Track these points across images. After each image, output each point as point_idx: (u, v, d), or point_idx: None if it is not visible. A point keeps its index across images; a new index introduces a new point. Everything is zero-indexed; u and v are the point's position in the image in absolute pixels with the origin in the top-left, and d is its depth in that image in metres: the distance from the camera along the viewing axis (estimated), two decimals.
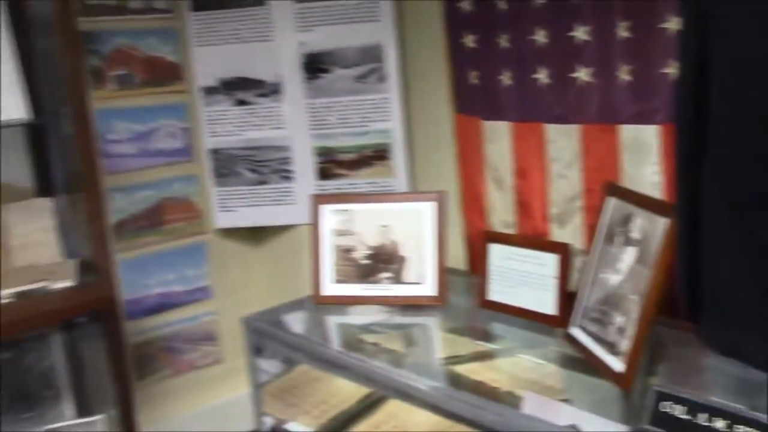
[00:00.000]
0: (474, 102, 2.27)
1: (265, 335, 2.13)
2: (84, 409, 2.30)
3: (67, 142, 2.13)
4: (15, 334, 2.09)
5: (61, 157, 2.28)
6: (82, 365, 2.33)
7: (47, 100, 2.16)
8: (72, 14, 2.00)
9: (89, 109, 2.08)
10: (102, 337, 2.17)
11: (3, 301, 1.98)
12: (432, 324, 2.08)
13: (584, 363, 1.68)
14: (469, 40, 2.23)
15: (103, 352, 2.18)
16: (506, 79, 2.13)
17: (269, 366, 2.24)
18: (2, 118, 2.04)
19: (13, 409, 2.20)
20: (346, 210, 2.21)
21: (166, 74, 2.72)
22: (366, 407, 2.12)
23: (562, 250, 1.91)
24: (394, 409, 2.07)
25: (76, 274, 2.12)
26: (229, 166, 2.77)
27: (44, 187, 2.34)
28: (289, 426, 2.15)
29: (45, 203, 2.29)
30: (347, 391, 2.17)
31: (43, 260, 2.24)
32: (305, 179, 2.71)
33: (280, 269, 2.97)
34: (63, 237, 2.28)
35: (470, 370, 1.73)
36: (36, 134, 2.30)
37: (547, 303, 1.91)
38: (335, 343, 2.00)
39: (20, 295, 2.02)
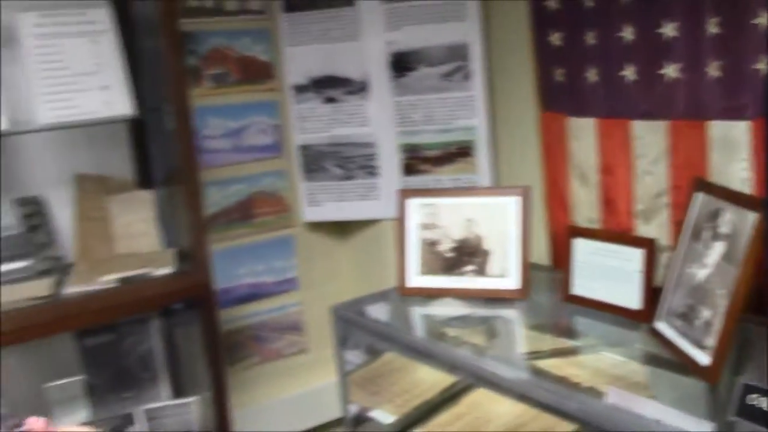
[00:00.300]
0: (560, 99, 2.28)
1: (351, 324, 2.19)
2: (179, 391, 2.38)
3: (167, 138, 2.19)
4: (118, 317, 2.20)
5: (161, 151, 2.36)
6: (178, 349, 2.41)
7: (149, 96, 2.23)
8: (176, 16, 2.07)
9: (189, 106, 2.16)
10: (197, 322, 2.24)
11: (108, 286, 2.10)
12: (514, 318, 2.11)
13: (668, 361, 1.67)
14: (556, 38, 2.24)
15: (197, 337, 2.26)
16: (592, 76, 2.14)
17: (352, 356, 2.29)
18: (110, 114, 2.15)
19: (115, 388, 2.29)
20: (432, 204, 2.25)
21: (258, 73, 2.79)
22: (448, 398, 2.13)
23: (647, 244, 1.91)
24: (476, 399, 2.09)
25: (175, 263, 2.20)
26: (317, 161, 2.83)
27: (145, 179, 2.43)
28: (373, 413, 2.19)
29: (146, 195, 2.38)
30: (430, 382, 2.19)
31: (143, 249, 2.32)
32: (390, 175, 2.75)
33: (364, 263, 3.02)
34: (162, 227, 2.37)
35: (552, 366, 1.74)
36: (137, 129, 2.39)
37: (631, 298, 1.91)
38: (420, 332, 2.05)
39: (124, 281, 2.11)
